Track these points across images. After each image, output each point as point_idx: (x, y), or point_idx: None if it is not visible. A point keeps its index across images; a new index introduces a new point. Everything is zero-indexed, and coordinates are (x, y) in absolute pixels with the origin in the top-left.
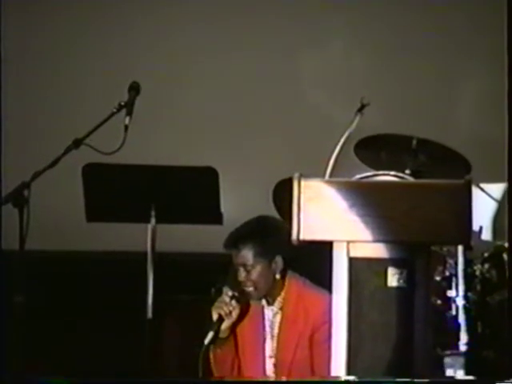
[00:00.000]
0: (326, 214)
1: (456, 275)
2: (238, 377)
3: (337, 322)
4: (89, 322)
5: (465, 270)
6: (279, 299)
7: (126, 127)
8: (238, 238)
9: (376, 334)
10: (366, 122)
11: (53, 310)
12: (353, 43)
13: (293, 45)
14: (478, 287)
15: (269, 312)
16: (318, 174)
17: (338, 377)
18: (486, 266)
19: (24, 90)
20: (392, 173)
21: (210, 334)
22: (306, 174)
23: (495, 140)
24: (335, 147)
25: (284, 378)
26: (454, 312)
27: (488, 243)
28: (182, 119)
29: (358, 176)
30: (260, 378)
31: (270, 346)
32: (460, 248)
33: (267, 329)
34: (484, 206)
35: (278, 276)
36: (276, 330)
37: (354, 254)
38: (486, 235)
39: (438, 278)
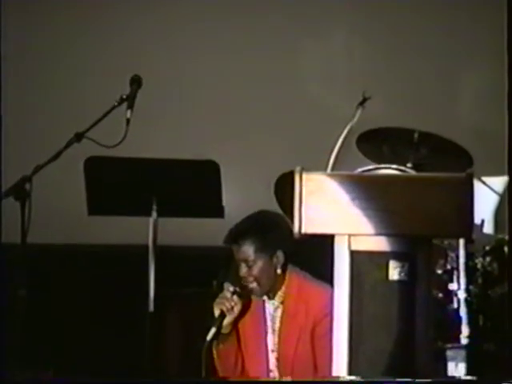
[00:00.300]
0: (328, 208)
1: (457, 268)
2: (241, 372)
3: (338, 316)
4: (90, 315)
5: (466, 264)
6: (280, 293)
7: (128, 121)
8: (238, 234)
9: (377, 328)
10: (367, 115)
11: (54, 303)
12: (354, 37)
13: (294, 38)
14: (480, 280)
15: (270, 306)
16: (320, 167)
17: (339, 377)
18: (488, 259)
19: (25, 83)
20: (394, 166)
21: (212, 330)
22: (308, 168)
23: (497, 133)
24: (337, 141)
25: (287, 372)
26: (455, 305)
27: (489, 236)
28: (184, 112)
29: (360, 169)
30: (262, 378)
31: (271, 341)
32: (461, 241)
33: (268, 323)
34: (486, 199)
35: (279, 271)
36: (277, 325)
37: (356, 247)
38: (488, 228)
39: (439, 272)
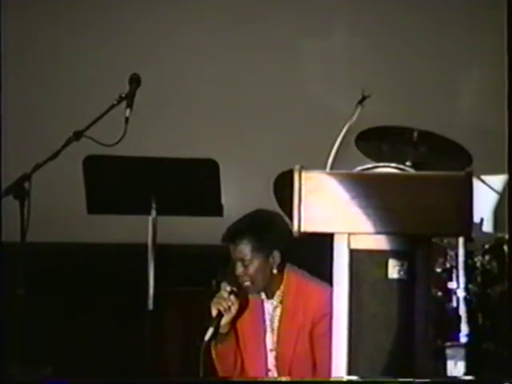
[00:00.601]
0: (327, 206)
1: (457, 267)
2: (241, 371)
3: (337, 314)
4: (89, 313)
5: (465, 262)
6: (278, 293)
7: (127, 119)
8: (235, 233)
9: (377, 326)
10: (366, 113)
11: (53, 301)
12: (354, 35)
13: (293, 36)
14: (479, 279)
15: (268, 306)
16: (319, 166)
17: (339, 377)
18: (487, 257)
19: (25, 82)
20: (393, 165)
21: (210, 330)
22: (307, 166)
23: (496, 132)
24: (336, 139)
25: (286, 372)
26: (454, 304)
27: (489, 235)
28: (183, 111)
29: (359, 168)
30: (261, 378)
31: (270, 340)
32: (461, 240)
33: (267, 322)
34: (485, 197)
35: (275, 271)
36: (276, 324)
37: (355, 245)
38: (487, 227)
39: (438, 270)
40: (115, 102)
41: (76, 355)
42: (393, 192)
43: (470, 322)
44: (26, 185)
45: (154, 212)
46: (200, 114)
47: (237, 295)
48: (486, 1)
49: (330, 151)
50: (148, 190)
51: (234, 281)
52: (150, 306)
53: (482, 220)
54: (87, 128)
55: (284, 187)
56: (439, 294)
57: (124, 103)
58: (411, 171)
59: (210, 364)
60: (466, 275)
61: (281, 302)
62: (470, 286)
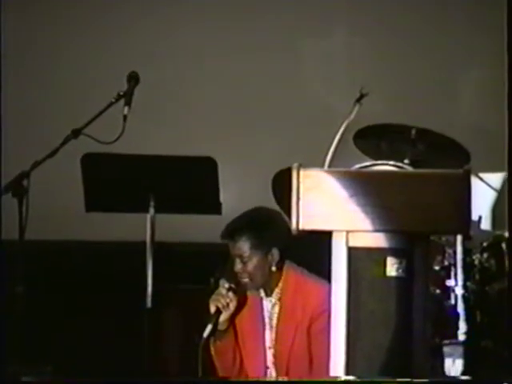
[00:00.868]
0: (326, 204)
1: (455, 265)
2: (240, 368)
3: (336, 312)
4: (88, 311)
5: (464, 260)
6: (277, 290)
7: (125, 117)
8: (234, 230)
9: (375, 324)
10: (365, 111)
11: (52, 300)
12: (353, 33)
13: (292, 35)
14: (477, 277)
15: (267, 303)
16: (317, 163)
17: (337, 377)
18: (485, 255)
19: (24, 80)
20: (391, 162)
21: (209, 327)
22: (305, 164)
23: (494, 130)
24: (334, 137)
25: (284, 369)
26: (452, 301)
27: (487, 233)
28: (182, 109)
29: (357, 166)
30: (259, 375)
31: (269, 337)
32: (459, 237)
33: (266, 320)
34: (483, 195)
35: (273, 268)
36: (274, 321)
37: (353, 243)
38: (485, 225)
39: (436, 268)
40: (113, 100)
41: (75, 354)
42: (391, 190)
43: (468, 319)
44: (25, 183)
45: (152, 210)
46: (199, 113)
47: (235, 292)
48: (486, 1)
49: (329, 149)
50: (146, 188)
51: (233, 278)
52: (149, 303)
53: (480, 218)
54: (85, 126)
55: (282, 185)
56: (437, 291)
57: (122, 101)
58: (409, 169)
59: (209, 361)
60: (464, 273)
61: (279, 299)
62: (468, 283)
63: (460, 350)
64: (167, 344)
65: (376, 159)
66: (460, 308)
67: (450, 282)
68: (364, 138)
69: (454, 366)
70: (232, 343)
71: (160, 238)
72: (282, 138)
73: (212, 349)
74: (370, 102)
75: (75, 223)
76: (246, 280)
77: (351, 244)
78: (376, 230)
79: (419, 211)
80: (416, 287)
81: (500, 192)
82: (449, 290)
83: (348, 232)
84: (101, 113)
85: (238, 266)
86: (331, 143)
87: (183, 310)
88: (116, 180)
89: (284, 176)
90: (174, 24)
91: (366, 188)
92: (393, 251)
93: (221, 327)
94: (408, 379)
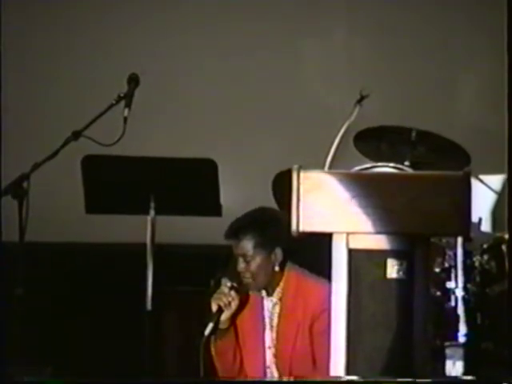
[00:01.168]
0: (326, 206)
1: (455, 267)
2: (240, 368)
3: (336, 314)
4: (88, 313)
5: (464, 262)
6: (278, 290)
7: (125, 119)
8: (238, 229)
9: (375, 326)
10: (365, 113)
11: (52, 301)
12: (353, 34)
13: (292, 35)
14: (478, 278)
15: (268, 303)
16: (318, 165)
17: (339, 377)
18: (486, 257)
19: (24, 81)
20: (391, 164)
21: (210, 325)
22: (306, 166)
23: (494, 131)
24: (334, 139)
25: (286, 369)
26: (453, 303)
27: (487, 234)
28: (182, 111)
29: (358, 168)
30: (259, 375)
31: (269, 337)
32: (459, 239)
33: (266, 320)
34: (483, 197)
35: (277, 268)
36: (275, 321)
37: (354, 245)
38: (486, 226)
39: (437, 270)
40: (114, 102)
41: (75, 355)
42: (391, 192)
43: (468, 321)
44: (25, 184)
45: (152, 212)
46: (199, 114)
47: (237, 291)
48: (486, 1)
49: (329, 151)
50: (147, 190)
51: (235, 277)
52: (149, 306)
53: (480, 220)
54: (86, 128)
55: (283, 187)
56: (438, 293)
57: (123, 103)
58: (410, 171)
59: (210, 361)
60: (465, 275)
61: (280, 299)
62: (469, 285)
63: (460, 351)
64: (167, 346)
65: (376, 161)
66: (460, 310)
67: (451, 284)
68: (364, 139)
69: (454, 368)
70: (233, 342)
71: (160, 239)
72: (282, 139)
73: (212, 348)
74: (371, 103)
75: (75, 225)
76: (249, 280)
77: (351, 246)
78: (376, 232)
79: (419, 213)
80: (416, 289)
81: (500, 194)
82: (449, 292)
83: (348, 234)
84: (101, 115)
85: (241, 265)
86: (331, 145)
87: (183, 312)
88: (116, 182)
89: (284, 178)
90: (174, 25)
91: (367, 190)
92: (393, 253)
93: (222, 326)
94: (409, 379)
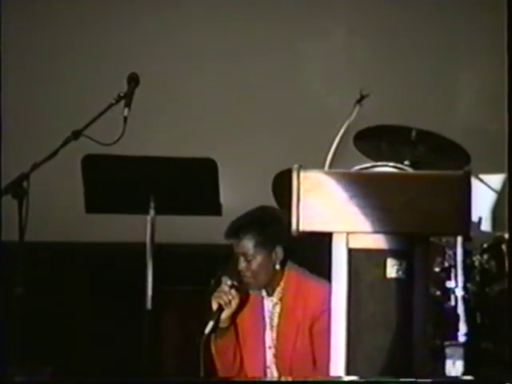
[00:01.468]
0: (326, 206)
1: (455, 266)
2: (240, 367)
3: (336, 313)
4: (88, 313)
5: (464, 261)
6: (278, 290)
7: (125, 118)
8: (239, 228)
9: (375, 325)
10: (365, 113)
11: (51, 301)
12: (352, 34)
13: (292, 37)
14: (477, 278)
15: (268, 303)
16: (318, 165)
17: (339, 377)
18: (485, 256)
19: (24, 81)
20: (391, 164)
21: (210, 324)
22: (306, 165)
23: (494, 131)
24: (334, 138)
25: (286, 369)
26: (453, 303)
27: (487, 234)
28: (182, 110)
29: (358, 167)
30: (259, 375)
31: (269, 337)
32: (459, 239)
33: (267, 320)
34: (483, 196)
35: (277, 267)
36: (275, 321)
37: (354, 245)
38: (485, 226)
39: (437, 269)
40: (113, 102)
41: (75, 355)
42: (391, 191)
43: (468, 321)
44: (25, 184)
45: (152, 211)
46: (199, 114)
47: (238, 289)
48: (486, 1)
49: (329, 150)
50: (146, 190)
51: (236, 276)
52: (149, 305)
53: (480, 219)
54: (86, 127)
55: (282, 186)
56: (438, 293)
57: (123, 102)
58: (410, 170)
59: (210, 360)
60: (465, 274)
61: (280, 299)
62: (469, 285)
63: (460, 351)
64: (167, 345)
65: (376, 160)
66: (460, 309)
67: (450, 284)
68: (364, 139)
69: (454, 368)
70: (233, 341)
71: (160, 239)
72: (282, 139)
73: (213, 347)
74: (370, 103)
75: (75, 225)
76: (250, 279)
77: (351, 245)
78: (376, 232)
79: (419, 213)
80: (416, 289)
81: (500, 193)
82: (449, 292)
83: (348, 233)
84: (101, 114)
85: (242, 264)
86: (331, 144)
87: (183, 312)
88: (116, 181)
89: (284, 177)
90: (174, 25)
91: (367, 189)
92: (393, 253)
93: (222, 325)
94: (410, 379)
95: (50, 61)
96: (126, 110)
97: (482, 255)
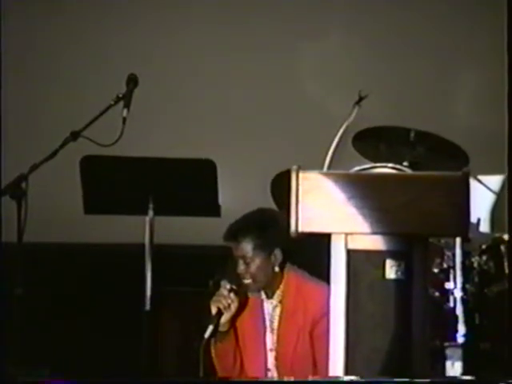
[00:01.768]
0: (324, 207)
1: (454, 267)
2: (240, 371)
3: (335, 315)
4: (87, 313)
5: (463, 262)
6: (278, 292)
7: (124, 119)
8: (237, 231)
9: (374, 326)
10: (364, 114)
11: (50, 302)
12: (351, 35)
13: (291, 39)
14: (476, 279)
15: (268, 305)
16: (316, 166)
17: (338, 377)
18: (484, 257)
19: (23, 82)
20: (390, 165)
21: (210, 328)
22: (304, 166)
23: (492, 132)
24: (333, 139)
25: (287, 371)
26: (451, 304)
27: (486, 235)
28: (181, 111)
29: (356, 168)
30: (260, 378)
31: (270, 340)
32: (458, 240)
33: (267, 322)
34: (482, 197)
35: (276, 269)
36: (276, 324)
37: (352, 246)
38: (484, 227)
39: (435, 270)
40: (112, 103)
41: (74, 355)
42: (390, 192)
43: (467, 322)
44: (23, 185)
45: (151, 212)
46: (197, 115)
47: (237, 293)
48: (486, 1)
49: (328, 151)
50: (145, 191)
51: (235, 279)
52: (147, 306)
53: (479, 220)
54: (84, 128)
55: (281, 187)
56: (436, 294)
57: (122, 103)
58: (408, 171)
59: (210, 364)
60: (463, 275)
61: (280, 301)
62: (467, 286)
63: (459, 352)
64: (166, 346)
65: (375, 161)
66: (459, 310)
67: (449, 285)
68: (363, 140)
69: (453, 369)
70: (233, 345)
71: (159, 240)
72: (281, 140)
73: (212, 351)
74: (369, 104)
75: (74, 225)
76: (249, 281)
77: (350, 246)
78: (375, 233)
79: (418, 213)
80: (415, 290)
81: (499, 194)
82: (448, 293)
83: (347, 234)
84: (100, 115)
85: (241, 267)
86: (330, 145)
87: (181, 313)
88: (115, 182)
89: (283, 178)
90: (173, 25)
91: (365, 190)
92: (392, 254)
93: (222, 328)
94: (409, 379)
95: (48, 62)
96: (125, 111)
97: (480, 256)
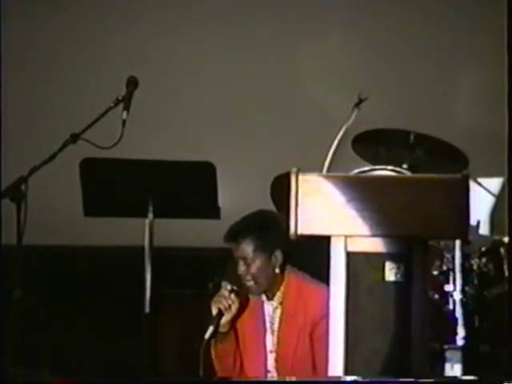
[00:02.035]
0: (324, 209)
1: (453, 269)
2: (240, 372)
3: (334, 317)
4: (86, 316)
5: (462, 265)
6: (279, 294)
7: (124, 122)
8: (237, 232)
9: (373, 329)
10: (363, 114)
11: (50, 304)
12: (351, 35)
13: (291, 39)
14: (476, 281)
15: (268, 307)
16: (316, 168)
17: (338, 377)
18: (484, 260)
19: (23, 84)
20: (389, 167)
21: (210, 329)
22: (304, 169)
23: (492, 134)
24: (333, 142)
25: (287, 373)
26: (451, 306)
27: (485, 237)
28: (180, 113)
29: (356, 171)
30: (261, 378)
31: (270, 341)
32: (457, 242)
33: (267, 324)
34: (481, 200)
35: (277, 270)
36: (276, 325)
37: (352, 248)
38: (484, 229)
39: (435, 273)
40: (112, 105)
41: (73, 358)
42: (389, 195)
43: (466, 324)
44: (23, 187)
45: (150, 215)
46: (197, 117)
47: (237, 294)
48: (486, 1)
49: (327, 154)
50: (145, 193)
51: (235, 280)
52: (147, 308)
53: (478, 222)
54: (84, 130)
55: (281, 190)
56: (436, 296)
57: (121, 106)
58: (408, 174)
59: (209, 365)
60: (463, 278)
61: (281, 303)
62: (467, 288)
63: (459, 354)
64: (165, 349)
65: (374, 164)
66: (458, 313)
67: (449, 287)
68: (362, 142)
69: (452, 371)
70: (233, 346)
71: (158, 242)
72: (281, 142)
73: (213, 352)
74: (369, 104)
75: (74, 228)
76: (251, 283)
77: (350, 249)
78: (374, 235)
79: (418, 216)
80: (414, 292)
81: (498, 197)
82: (447, 295)
83: (346, 237)
84: (99, 117)
85: (242, 268)
86: (330, 148)
87: (181, 315)
88: (114, 185)
89: (282, 181)
90: (173, 26)
91: (365, 193)
92: (391, 256)
93: (222, 329)
94: (411, 379)
95: (48, 63)
96: (125, 114)
97: (480, 259)
